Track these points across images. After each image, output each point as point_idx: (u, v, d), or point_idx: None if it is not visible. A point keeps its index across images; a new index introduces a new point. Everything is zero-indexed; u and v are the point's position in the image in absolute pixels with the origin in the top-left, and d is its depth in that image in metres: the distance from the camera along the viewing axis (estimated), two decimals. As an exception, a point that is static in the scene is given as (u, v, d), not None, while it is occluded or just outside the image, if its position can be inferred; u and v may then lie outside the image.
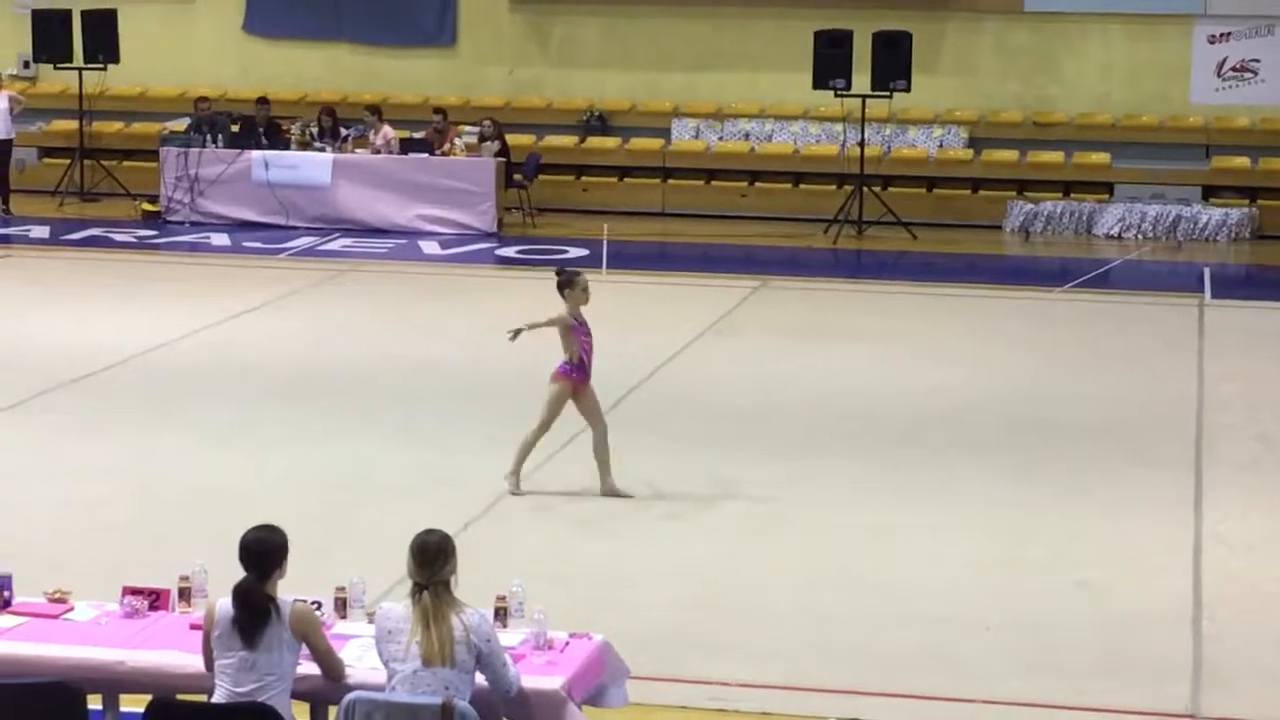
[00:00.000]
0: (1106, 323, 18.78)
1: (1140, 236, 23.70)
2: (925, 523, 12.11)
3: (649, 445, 13.24)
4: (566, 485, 12.62)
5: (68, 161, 25.59)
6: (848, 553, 11.53)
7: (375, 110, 24.23)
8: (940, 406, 15.15)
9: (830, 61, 23.66)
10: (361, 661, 7.61)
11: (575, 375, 12.27)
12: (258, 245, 22.41)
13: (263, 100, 24.64)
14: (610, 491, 12.39)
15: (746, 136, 25.52)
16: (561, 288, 12.27)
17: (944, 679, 9.51)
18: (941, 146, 25.10)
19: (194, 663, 7.59)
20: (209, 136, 23.86)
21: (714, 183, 25.37)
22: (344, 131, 23.93)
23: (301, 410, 14.70)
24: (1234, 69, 24.68)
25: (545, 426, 12.39)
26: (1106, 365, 16.72)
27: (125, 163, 25.96)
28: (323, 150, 23.58)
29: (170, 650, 7.75)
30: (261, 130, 24.02)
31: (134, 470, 12.98)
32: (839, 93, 23.75)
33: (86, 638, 7.86)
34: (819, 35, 23.80)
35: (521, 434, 12.44)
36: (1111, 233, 23.83)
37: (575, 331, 12.21)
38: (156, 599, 8.15)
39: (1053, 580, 11.03)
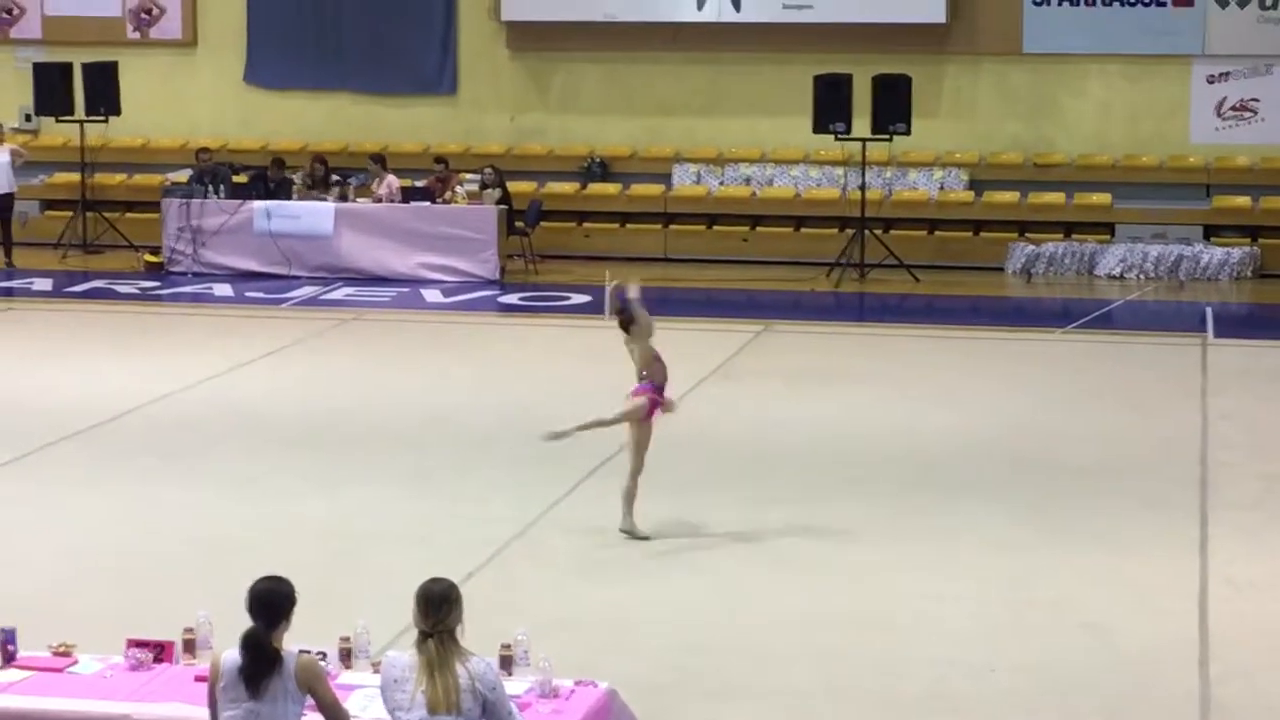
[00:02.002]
0: (1110, 363, 18.78)
1: (1142, 276, 23.71)
2: (930, 564, 12.09)
3: (652, 489, 13.19)
4: (570, 531, 12.62)
5: (70, 214, 25.64)
6: (853, 595, 11.51)
7: (379, 159, 24.29)
8: (944, 448, 15.14)
9: (830, 105, 23.72)
10: (366, 712, 7.60)
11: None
12: (260, 295, 22.44)
13: (278, 161, 24.58)
14: (629, 530, 12.51)
15: (747, 181, 25.56)
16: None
17: (951, 722, 9.51)
18: (942, 188, 25.11)
19: (199, 715, 7.58)
20: (210, 187, 23.90)
21: (715, 228, 25.40)
22: (334, 179, 23.95)
23: (306, 459, 14.69)
24: (1233, 108, 24.72)
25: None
26: (1110, 406, 16.71)
27: (127, 214, 26.00)
28: (322, 199, 23.61)
29: (175, 703, 7.74)
30: (274, 185, 23.97)
31: (139, 522, 12.97)
32: (839, 136, 23.80)
33: (92, 691, 7.86)
34: (818, 79, 23.86)
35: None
36: (1113, 273, 23.84)
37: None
38: (161, 651, 8.15)
39: (1059, 621, 11.01)
